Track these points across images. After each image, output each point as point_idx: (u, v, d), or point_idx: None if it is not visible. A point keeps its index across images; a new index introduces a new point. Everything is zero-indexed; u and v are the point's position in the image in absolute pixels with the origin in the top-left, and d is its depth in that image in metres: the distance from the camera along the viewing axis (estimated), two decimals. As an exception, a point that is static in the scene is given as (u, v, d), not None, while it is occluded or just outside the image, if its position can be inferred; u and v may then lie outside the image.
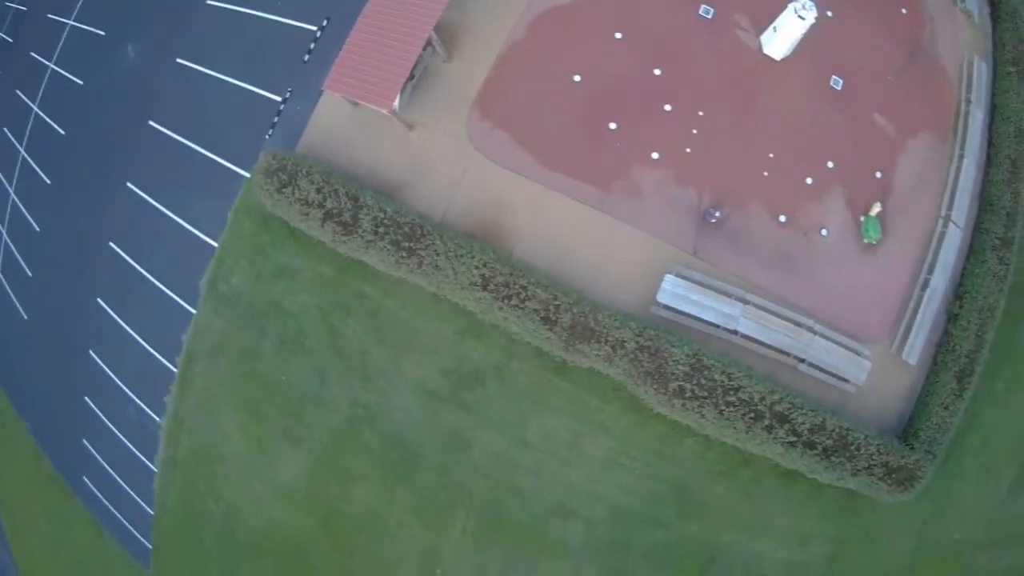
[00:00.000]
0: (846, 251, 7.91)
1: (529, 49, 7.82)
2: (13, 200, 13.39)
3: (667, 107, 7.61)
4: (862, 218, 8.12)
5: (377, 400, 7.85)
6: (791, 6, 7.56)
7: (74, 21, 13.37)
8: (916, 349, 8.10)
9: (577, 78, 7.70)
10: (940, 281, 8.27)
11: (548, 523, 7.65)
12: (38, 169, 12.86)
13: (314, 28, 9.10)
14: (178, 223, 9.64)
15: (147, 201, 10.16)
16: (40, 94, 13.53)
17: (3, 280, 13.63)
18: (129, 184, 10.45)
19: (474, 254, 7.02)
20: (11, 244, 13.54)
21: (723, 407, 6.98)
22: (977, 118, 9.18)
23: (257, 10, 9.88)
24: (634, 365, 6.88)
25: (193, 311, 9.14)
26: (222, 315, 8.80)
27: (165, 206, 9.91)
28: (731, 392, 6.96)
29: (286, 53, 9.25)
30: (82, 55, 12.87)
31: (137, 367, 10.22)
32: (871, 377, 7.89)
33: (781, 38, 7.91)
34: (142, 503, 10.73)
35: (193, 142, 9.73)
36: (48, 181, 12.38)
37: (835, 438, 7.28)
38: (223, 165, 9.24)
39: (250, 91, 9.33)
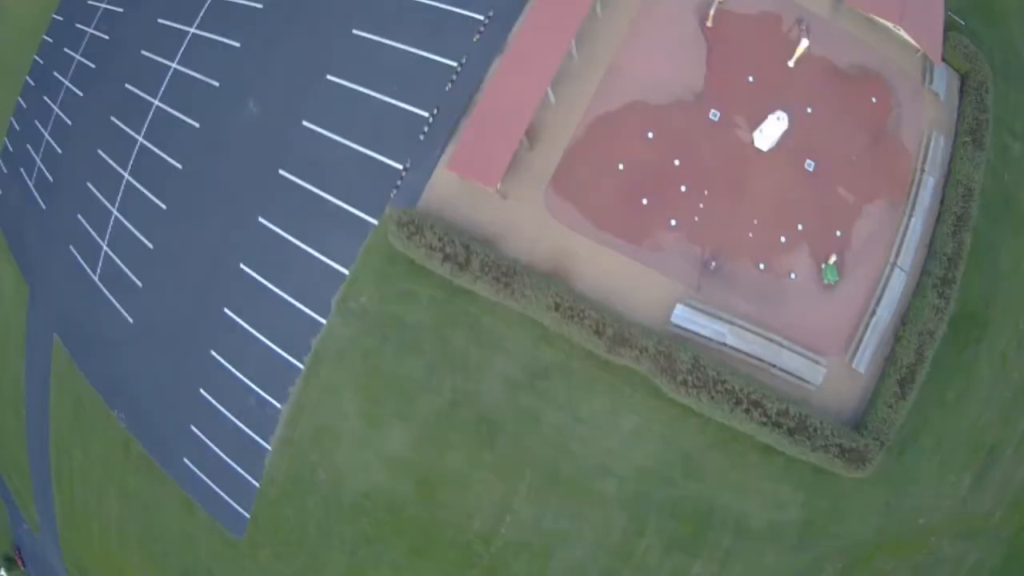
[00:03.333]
0: (810, 290, 15.03)
1: (588, 144, 14.83)
2: (116, 217, 20.73)
3: (683, 188, 14.74)
4: (823, 265, 15.28)
5: (473, 388, 14.48)
6: (771, 116, 15.06)
7: (178, 65, 20.86)
8: (864, 361, 15.08)
9: (621, 166, 14.79)
10: (886, 312, 15.31)
11: (591, 479, 14.32)
12: (148, 193, 20.19)
13: (426, 114, 16.06)
14: (309, 252, 16.26)
15: (279, 233, 16.77)
16: (144, 127, 20.94)
17: (102, 286, 20.81)
18: (260, 219, 17.12)
19: (549, 287, 13.88)
20: (113, 256, 20.34)
21: (714, 394, 13.78)
22: (929, 184, 16.18)
23: (373, 91, 16.60)
24: (655, 364, 13.74)
25: (323, 321, 15.70)
26: (350, 325, 15.34)
27: (297, 238, 16.52)
28: (719, 384, 13.77)
29: (403, 130, 16.03)
30: (192, 99, 19.65)
31: (261, 364, 16.56)
32: (828, 380, 14.83)
33: (766, 137, 15.20)
34: (248, 476, 17.01)
35: (323, 191, 16.48)
36: (163, 206, 19.46)
37: (797, 421, 14.07)
38: (352, 212, 15.99)
39: (374, 157, 16.21)
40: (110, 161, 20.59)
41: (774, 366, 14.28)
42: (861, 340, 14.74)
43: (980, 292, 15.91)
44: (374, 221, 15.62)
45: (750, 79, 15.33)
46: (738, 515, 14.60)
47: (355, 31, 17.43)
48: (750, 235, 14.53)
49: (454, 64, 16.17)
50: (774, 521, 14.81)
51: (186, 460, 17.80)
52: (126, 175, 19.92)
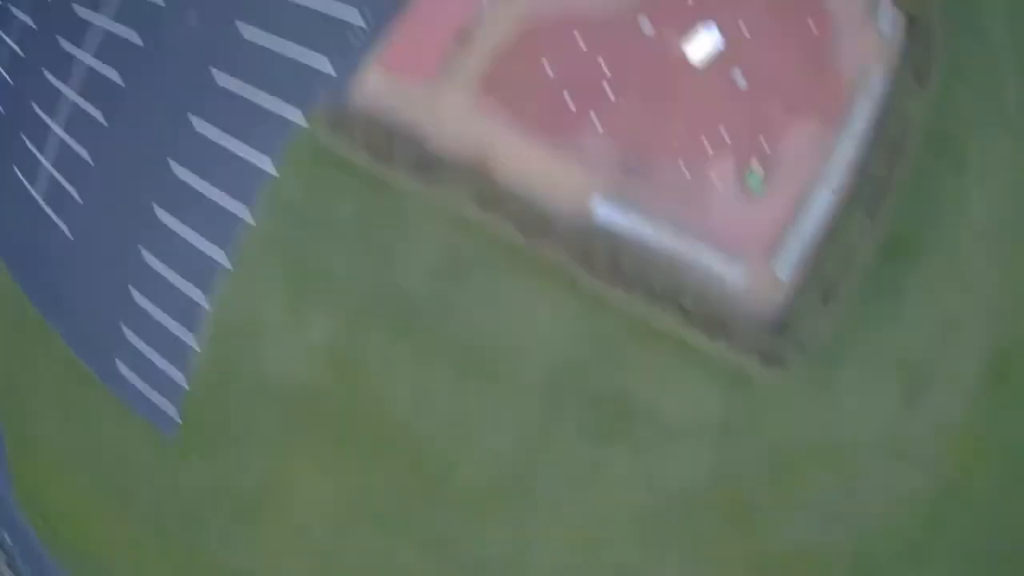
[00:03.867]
0: (732, 195, 15.75)
1: (518, 44, 15.49)
2: (61, 137, 21.42)
3: (609, 92, 15.38)
4: (747, 173, 16.24)
5: (393, 277, 15.39)
6: (704, 31, 15.74)
7: None
8: (786, 267, 15.96)
9: (549, 68, 15.51)
10: (810, 224, 16.09)
11: (509, 367, 15.23)
12: (91, 111, 20.37)
13: (356, 12, 16.64)
14: (238, 149, 17.03)
15: (210, 132, 17.53)
16: (95, 48, 21.02)
17: (48, 208, 21.65)
18: (192, 117, 17.91)
19: (470, 178, 14.79)
20: (59, 176, 21.06)
21: (631, 287, 14.67)
22: (863, 110, 16.81)
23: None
24: (573, 256, 14.53)
25: (249, 216, 16.68)
26: (275, 219, 16.17)
27: (226, 136, 17.28)
28: (636, 277, 14.59)
29: (333, 30, 16.63)
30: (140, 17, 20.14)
31: (189, 261, 17.37)
32: (748, 283, 15.90)
33: (697, 49, 15.78)
34: (177, 374, 17.96)
35: (253, 88, 17.18)
36: (104, 123, 19.84)
37: (714, 319, 14.97)
38: (281, 110, 16.69)
39: (304, 56, 16.88)
40: (55, 81, 21.29)
41: (692, 263, 15.18)
42: (783, 248, 15.54)
43: (913, 222, 16.60)
44: (301, 117, 16.41)
45: None
46: (655, 407, 15.44)
47: None
48: (674, 138, 15.35)
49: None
50: (691, 417, 15.62)
51: (119, 363, 18.56)
52: (73, 95, 20.67)
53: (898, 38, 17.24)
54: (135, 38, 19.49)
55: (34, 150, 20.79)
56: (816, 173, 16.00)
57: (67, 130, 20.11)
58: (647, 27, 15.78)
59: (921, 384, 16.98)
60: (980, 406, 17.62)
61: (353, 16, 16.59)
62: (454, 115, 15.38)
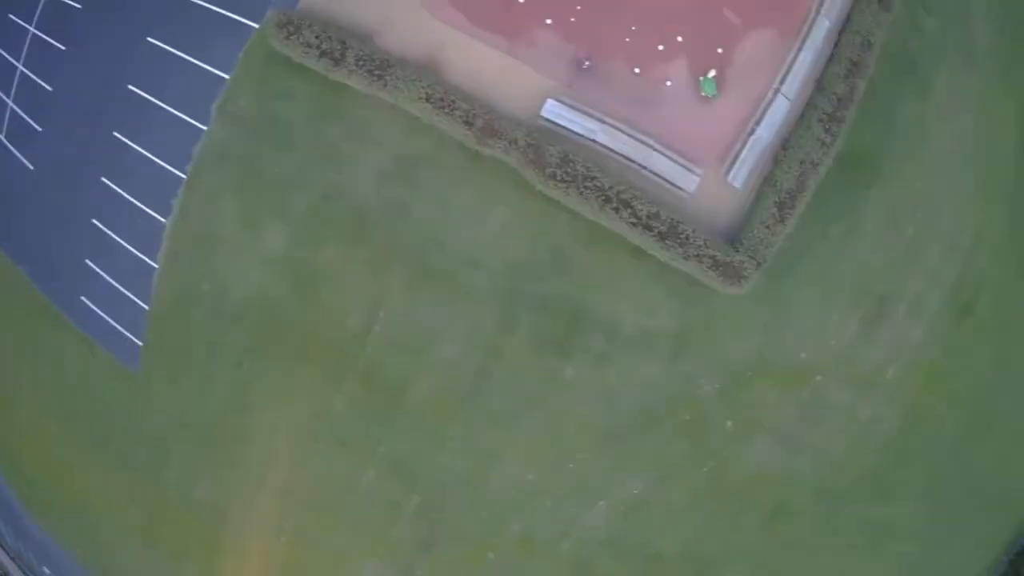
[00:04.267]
0: (686, 99, 15.63)
1: None
2: (21, 71, 21.57)
3: None
4: (700, 78, 16.16)
5: (345, 181, 15.23)
6: None
7: None
8: (741, 177, 15.84)
9: None
10: (765, 132, 15.92)
11: (462, 272, 15.09)
12: (49, 39, 20.92)
13: None
14: (192, 62, 16.96)
15: (165, 49, 17.48)
16: None
17: (8, 143, 21.66)
18: (148, 38, 17.83)
19: (421, 79, 14.56)
20: (17, 109, 21.58)
21: (582, 190, 14.46)
22: (823, 25, 16.56)
23: None
24: (524, 156, 14.36)
25: (204, 128, 16.61)
26: (230, 128, 16.08)
27: (180, 50, 17.23)
28: (588, 180, 14.47)
29: None
30: None
31: (147, 181, 17.32)
32: (702, 191, 15.62)
33: None
34: (139, 301, 17.98)
35: (206, 1, 17.84)
36: (63, 48, 20.27)
37: (668, 226, 14.78)
38: (233, 17, 16.69)
39: None
40: (18, 20, 21.46)
41: (645, 168, 14.96)
42: (738, 156, 15.34)
43: (873, 141, 16.46)
44: (255, 25, 16.30)
45: None
46: (610, 317, 15.30)
47: None
48: (627, 40, 15.11)
49: None
50: (647, 328, 15.50)
51: (83, 298, 18.53)
52: (32, 29, 20.76)
53: None
54: None
55: None
56: (772, 82, 15.86)
57: (26, 63, 20.15)
58: None
59: (881, 310, 16.84)
60: (943, 340, 17.48)
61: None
62: (403, 14, 15.26)
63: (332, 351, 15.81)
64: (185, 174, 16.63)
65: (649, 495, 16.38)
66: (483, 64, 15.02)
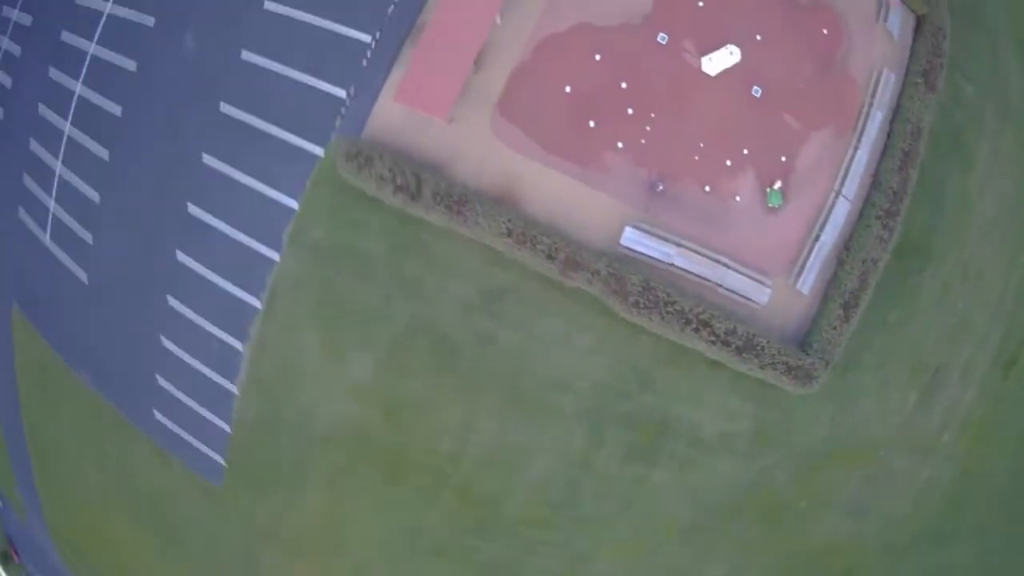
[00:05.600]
0: (754, 212, 16.41)
1: (534, 66, 15.62)
2: (61, 173, 21.25)
3: (629, 110, 15.75)
4: (767, 189, 16.72)
5: (429, 312, 15.74)
6: (726, 49, 15.83)
7: (112, 5, 21.02)
8: (808, 283, 16.63)
9: (568, 88, 15.67)
10: (829, 237, 16.68)
11: (549, 395, 15.90)
12: (90, 143, 20.70)
13: (367, 39, 16.68)
14: (257, 187, 17.09)
15: (225, 170, 17.59)
16: (82, 75, 21.30)
17: (54, 246, 21.48)
18: (205, 156, 17.94)
19: (501, 214, 14.98)
20: (62, 213, 21.40)
21: (664, 315, 15.31)
22: (877, 119, 17.30)
23: (313, 16, 17.10)
24: (606, 286, 15.06)
25: (276, 256, 16.80)
26: (304, 258, 16.38)
27: (243, 174, 17.33)
28: (669, 305, 15.28)
29: (345, 56, 16.66)
30: (128, 40, 20.17)
31: (219, 306, 17.63)
32: (773, 300, 16.49)
33: (715, 64, 16.05)
34: (219, 422, 18.36)
35: (266, 123, 17.21)
36: (105, 156, 20.21)
37: (744, 340, 15.70)
38: (298, 143, 16.79)
39: (316, 86, 16.94)
40: (51, 116, 21.01)
41: (721, 286, 15.76)
42: (805, 263, 16.19)
43: (924, 224, 17.41)
44: (320, 152, 16.44)
45: (699, 3, 16.14)
46: (691, 425, 16.34)
47: None
48: (696, 158, 15.68)
49: (395, -20, 16.78)
50: (726, 431, 16.60)
51: (156, 412, 18.99)
52: (67, 127, 20.39)
53: (907, 39, 17.69)
54: (126, 64, 19.24)
55: (35, 187, 20.63)
56: (833, 184, 16.57)
57: (66, 164, 20.01)
58: (664, 41, 15.93)
59: (935, 381, 18.18)
60: (990, 394, 18.76)
61: (364, 41, 16.54)
62: (474, 143, 15.56)
63: (426, 471, 16.71)
64: (260, 301, 17.00)
65: (732, 576, 17.65)
66: (559, 192, 15.50)
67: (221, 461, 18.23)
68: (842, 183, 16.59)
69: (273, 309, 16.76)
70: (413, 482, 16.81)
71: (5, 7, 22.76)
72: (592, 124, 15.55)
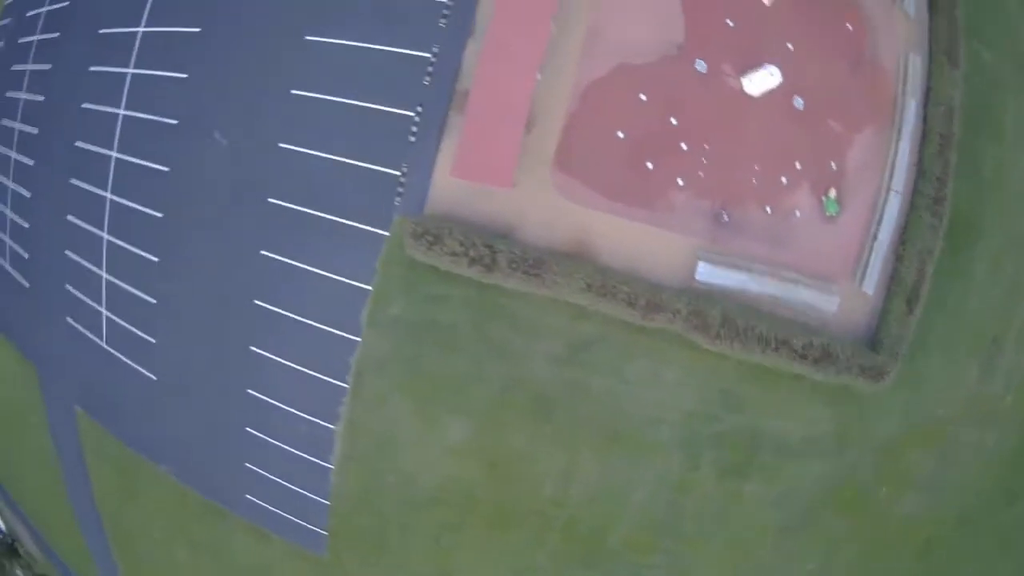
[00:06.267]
0: (814, 223, 16.91)
1: (583, 116, 15.93)
2: (107, 279, 21.13)
3: (683, 145, 16.16)
4: (823, 199, 17.23)
5: (520, 372, 16.35)
6: (765, 69, 16.04)
7: (125, 111, 20.58)
8: (872, 282, 17.32)
9: (620, 134, 16.11)
10: (886, 234, 17.31)
11: (645, 431, 16.77)
12: (133, 248, 20.56)
13: (411, 113, 16.74)
14: (324, 275, 17.31)
15: (287, 263, 17.68)
16: (109, 183, 20.83)
17: (113, 350, 21.55)
18: (263, 252, 17.95)
19: (578, 270, 15.48)
20: (116, 319, 20.65)
21: (745, 341, 16.08)
22: (911, 107, 17.74)
23: (347, 98, 17.04)
24: (688, 324, 15.77)
25: (356, 339, 17.10)
26: (386, 337, 16.82)
27: (307, 264, 17.48)
28: (749, 331, 16.00)
29: (390, 134, 16.70)
30: (153, 143, 19.53)
31: (303, 391, 17.97)
32: (841, 306, 17.14)
33: (756, 85, 16.35)
34: (316, 497, 18.80)
35: (320, 211, 17.24)
36: (154, 259, 20.04)
37: (821, 351, 16.43)
38: (359, 227, 16.96)
39: (367, 167, 16.95)
40: (83, 224, 20.88)
41: (792, 302, 16.48)
42: (867, 263, 16.89)
43: (967, 201, 18.01)
44: (385, 232, 16.74)
45: (729, 23, 16.42)
46: (778, 436, 17.26)
47: (308, 37, 17.59)
48: (754, 181, 16.23)
49: (426, 55, 16.75)
50: (809, 435, 17.54)
51: (249, 496, 19.52)
52: (105, 235, 20.32)
53: (923, 15, 18.01)
54: (156, 166, 19.19)
55: (79, 295, 20.67)
56: (882, 180, 17.18)
57: (111, 272, 20.03)
58: (704, 69, 16.28)
59: (995, 350, 19.10)
60: None
61: (408, 115, 16.67)
62: (537, 202, 15.95)
63: (531, 516, 17.59)
64: (346, 383, 17.43)
65: (822, 568, 18.88)
66: (629, 238, 16.01)
67: (323, 532, 18.90)
68: (890, 178, 17.23)
69: (361, 388, 17.23)
70: (519, 527, 17.66)
71: (5, 119, 22.39)
72: (650, 165, 16.00)
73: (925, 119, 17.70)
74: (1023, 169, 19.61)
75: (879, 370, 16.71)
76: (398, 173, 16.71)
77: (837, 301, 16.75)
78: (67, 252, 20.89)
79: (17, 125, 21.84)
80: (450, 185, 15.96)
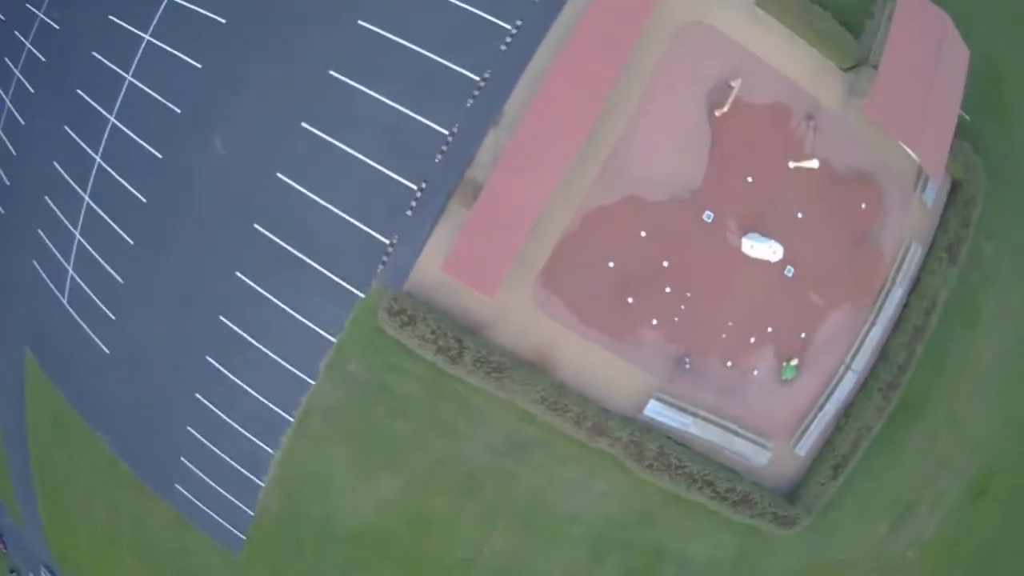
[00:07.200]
0: (768, 385, 17.89)
1: (580, 237, 16.26)
2: (80, 242, 21.00)
3: (668, 289, 16.69)
4: (784, 364, 18.25)
5: (458, 451, 17.34)
6: (769, 244, 16.37)
7: (133, 78, 19.41)
8: (806, 447, 18.59)
9: (611, 264, 16.51)
10: (832, 407, 18.41)
11: (561, 525, 18.01)
12: (112, 224, 20.18)
13: (414, 187, 16.82)
14: (292, 314, 17.74)
15: (259, 291, 17.95)
16: (101, 146, 20.12)
17: (73, 312, 21.76)
18: (237, 273, 18.20)
19: (536, 383, 16.29)
20: (81, 283, 20.88)
21: (674, 475, 17.40)
22: (896, 295, 18.42)
23: (355, 150, 16.98)
24: (625, 450, 16.93)
25: (311, 381, 17.77)
26: (339, 388, 17.49)
27: (278, 299, 17.78)
28: (679, 469, 17.23)
29: (389, 201, 16.77)
30: (152, 124, 19.09)
31: (250, 412, 18.69)
32: (772, 461, 18.65)
33: (756, 252, 16.67)
34: (242, 506, 19.79)
35: (303, 254, 17.44)
36: (130, 241, 19.93)
37: (741, 496, 17.79)
38: (336, 281, 17.27)
39: (357, 226, 17.07)
40: (68, 178, 20.49)
41: (727, 449, 17.73)
42: (806, 430, 18.15)
43: (922, 385, 19.08)
44: (360, 294, 17.17)
45: (749, 179, 16.74)
46: (683, 552, 18.85)
47: (332, 72, 17.38)
48: (723, 336, 17.05)
49: (444, 132, 16.76)
50: (713, 558, 19.16)
51: (178, 486, 20.37)
52: (86, 197, 20.09)
53: (939, 205, 18.63)
54: (151, 147, 19.01)
55: (49, 245, 20.70)
56: (845, 357, 18.25)
57: (85, 236, 20.14)
58: (710, 220, 16.77)
59: (906, 514, 20.70)
60: (956, 519, 21.29)
61: (411, 188, 16.87)
62: (515, 310, 16.59)
63: (440, 572, 18.93)
64: (292, 416, 18.23)
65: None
66: (592, 362, 16.84)
67: (241, 536, 20.00)
68: (853, 357, 18.30)
69: (305, 425, 18.06)
70: None
71: (17, 31, 21.38)
72: (630, 300, 16.63)
73: (906, 307, 18.54)
74: (985, 359, 20.70)
75: (792, 520, 18.23)
76: (387, 242, 16.99)
77: (769, 456, 18.08)
78: (46, 197, 20.76)
79: (28, 44, 21.04)
80: (434, 268, 16.37)
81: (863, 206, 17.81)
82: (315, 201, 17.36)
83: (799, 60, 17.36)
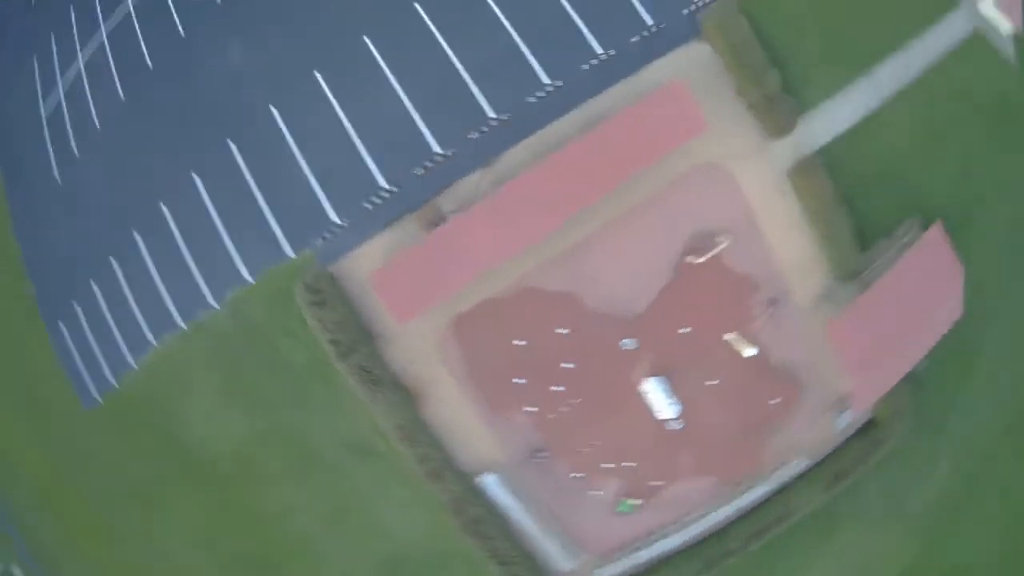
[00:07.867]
0: (603, 509, 18.44)
1: (506, 304, 16.89)
2: (80, 69, 20.41)
3: (559, 388, 17.41)
4: (626, 499, 19.11)
5: (311, 428, 18.39)
6: (672, 401, 17.06)
7: None
8: (606, 575, 20.23)
9: (521, 342, 17.16)
10: (646, 555, 19.18)
11: (366, 533, 19.10)
12: (115, 74, 19.80)
13: (385, 185, 17.14)
14: (224, 237, 18.34)
15: (204, 200, 18.47)
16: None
17: (46, 128, 21.68)
18: (194, 175, 18.71)
19: (401, 412, 17.11)
20: (65, 113, 20.85)
21: (481, 543, 18.07)
22: (758, 491, 18.77)
23: (352, 126, 16.97)
24: (452, 503, 17.78)
25: (214, 304, 18.45)
26: (233, 323, 18.33)
27: (218, 216, 18.32)
28: (488, 540, 17.98)
29: (356, 185, 17.15)
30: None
31: (149, 298, 19.37)
32: (574, 572, 19.59)
33: (654, 400, 17.29)
34: (108, 374, 20.28)
35: (260, 192, 17.86)
36: (122, 97, 19.71)
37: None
38: (274, 230, 17.84)
39: (317, 193, 17.56)
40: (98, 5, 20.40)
41: (538, 543, 18.41)
42: (615, 561, 18.80)
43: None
44: (292, 254, 17.80)
45: (685, 329, 17.30)
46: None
47: (365, 38, 17.61)
48: (585, 449, 17.85)
49: (438, 150, 17.13)
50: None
51: (61, 325, 20.90)
52: (104, 35, 20.19)
53: (844, 433, 19.11)
54: (179, 22, 19.06)
55: (55, 58, 20.84)
56: (682, 519, 19.02)
57: (87, 67, 20.36)
58: (629, 347, 17.36)
59: None
60: None
61: (380, 185, 17.24)
62: (416, 339, 17.24)
63: (249, 516, 19.86)
64: (184, 324, 18.87)
65: None
66: (458, 415, 17.66)
67: (98, 398, 20.70)
68: (686, 525, 19.09)
69: (191, 337, 18.85)
70: (234, 517, 19.78)
71: None
72: (520, 381, 17.35)
73: (764, 503, 19.10)
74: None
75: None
76: (337, 221, 17.51)
77: (573, 567, 19.04)
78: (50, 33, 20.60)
79: None
80: (364, 268, 16.91)
81: (775, 401, 18.38)
82: (291, 148, 17.79)
83: (795, 247, 17.33)
